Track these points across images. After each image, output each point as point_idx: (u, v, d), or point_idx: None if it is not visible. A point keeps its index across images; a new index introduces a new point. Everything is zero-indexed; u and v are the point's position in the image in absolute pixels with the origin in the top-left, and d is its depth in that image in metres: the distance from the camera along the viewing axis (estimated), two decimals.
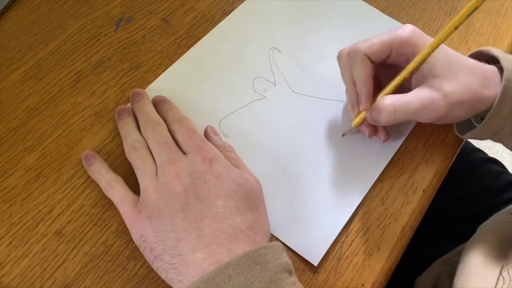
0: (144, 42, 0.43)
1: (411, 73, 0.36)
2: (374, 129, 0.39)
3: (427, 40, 0.36)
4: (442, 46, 0.36)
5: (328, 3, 0.48)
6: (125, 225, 0.34)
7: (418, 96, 0.36)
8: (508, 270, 0.35)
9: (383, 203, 0.38)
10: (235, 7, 0.46)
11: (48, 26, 0.43)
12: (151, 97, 0.39)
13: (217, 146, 0.36)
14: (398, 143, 0.41)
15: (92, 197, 0.35)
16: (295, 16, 0.47)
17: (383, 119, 0.36)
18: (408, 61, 0.37)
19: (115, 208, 0.35)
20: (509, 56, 0.37)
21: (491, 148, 1.02)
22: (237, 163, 0.36)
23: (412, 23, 0.47)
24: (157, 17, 0.45)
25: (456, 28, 0.34)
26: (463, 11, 0.34)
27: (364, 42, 0.37)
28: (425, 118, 0.37)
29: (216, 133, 0.39)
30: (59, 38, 0.42)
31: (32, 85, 0.40)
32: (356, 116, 0.39)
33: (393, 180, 0.39)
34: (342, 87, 0.41)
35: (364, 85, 0.37)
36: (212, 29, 0.45)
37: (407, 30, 0.37)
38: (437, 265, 0.46)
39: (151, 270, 0.33)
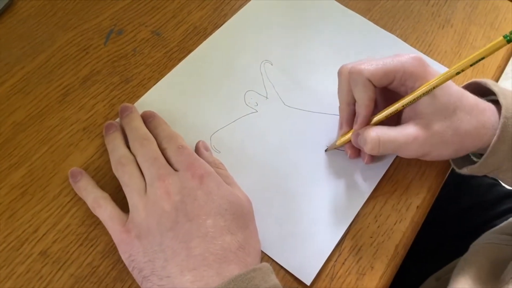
0: (134, 55, 0.43)
1: (405, 107, 0.36)
2: (358, 150, 0.39)
3: (430, 76, 0.35)
4: (448, 81, 0.35)
5: (321, 15, 0.48)
6: (112, 245, 0.33)
7: (404, 133, 0.35)
8: None
9: (376, 220, 0.37)
10: (227, 20, 0.46)
11: (36, 39, 0.42)
12: (141, 112, 0.38)
13: (208, 163, 0.35)
14: (391, 158, 0.40)
15: (79, 216, 0.35)
16: (287, 29, 0.47)
17: (368, 150, 0.36)
18: (407, 92, 0.36)
19: (102, 227, 0.34)
20: (506, 91, 0.36)
21: None
22: (228, 181, 0.35)
23: (405, 36, 0.47)
24: (148, 30, 0.44)
25: (457, 73, 0.34)
26: (468, 59, 0.33)
27: (368, 65, 0.36)
28: (406, 154, 0.36)
29: (207, 149, 0.38)
30: (48, 51, 0.42)
31: (19, 99, 0.39)
32: (342, 135, 0.39)
33: (387, 196, 0.38)
34: (335, 100, 0.40)
35: (365, 108, 0.36)
36: (203, 41, 0.44)
37: (413, 61, 0.35)
38: (431, 282, 0.46)
39: None
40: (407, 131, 0.35)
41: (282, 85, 0.43)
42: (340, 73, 0.38)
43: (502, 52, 0.48)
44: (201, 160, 0.34)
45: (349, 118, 0.38)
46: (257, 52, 0.45)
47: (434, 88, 0.34)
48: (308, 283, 0.34)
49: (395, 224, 0.37)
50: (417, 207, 0.38)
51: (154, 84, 0.41)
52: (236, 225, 0.32)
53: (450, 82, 0.35)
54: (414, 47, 0.47)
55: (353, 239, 0.36)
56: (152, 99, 0.41)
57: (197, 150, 0.38)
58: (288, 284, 0.34)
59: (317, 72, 0.44)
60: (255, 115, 0.41)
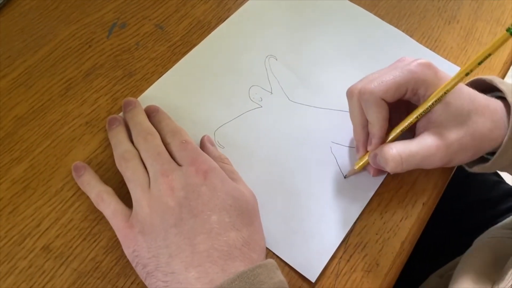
0: (137, 49, 0.42)
1: (419, 118, 0.35)
2: (380, 169, 0.37)
3: (440, 80, 0.34)
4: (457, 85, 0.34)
5: (326, 10, 0.47)
6: (116, 240, 0.33)
7: (423, 144, 0.34)
8: (498, 286, 0.34)
9: (382, 217, 0.37)
10: (231, 14, 0.45)
11: (38, 32, 0.42)
12: (144, 106, 0.38)
13: (213, 157, 0.35)
14: None
15: (82, 211, 0.34)
16: (292, 23, 0.46)
17: (390, 169, 0.34)
18: (419, 101, 0.35)
19: (106, 222, 0.33)
20: None
21: None
22: (233, 176, 0.35)
23: (411, 32, 0.47)
24: (151, 23, 0.44)
25: (467, 74, 0.33)
26: (475, 58, 0.32)
27: (379, 83, 0.34)
28: (430, 166, 0.35)
29: (212, 144, 0.38)
30: (50, 45, 0.41)
31: (20, 93, 0.39)
32: (360, 158, 0.37)
33: (392, 193, 0.38)
34: (340, 96, 0.40)
35: (380, 129, 0.35)
36: (207, 36, 0.44)
37: (422, 68, 0.34)
38: (434, 279, 0.45)
39: (142, 287, 0.32)
40: (426, 143, 0.34)
41: (287, 80, 0.43)
42: (349, 95, 0.37)
43: (509, 48, 0.48)
44: (205, 155, 0.34)
45: (366, 140, 0.37)
46: (262, 46, 0.44)
47: (445, 93, 0.34)
48: (313, 280, 0.34)
49: (401, 221, 0.37)
50: (423, 204, 0.38)
51: (158, 78, 0.41)
52: (241, 221, 0.31)
53: (460, 84, 0.35)
54: (420, 42, 0.46)
55: (358, 236, 0.36)
56: (156, 93, 0.40)
57: (202, 144, 0.37)
58: (293, 281, 0.34)
59: (322, 67, 0.44)
60: (259, 110, 0.41)
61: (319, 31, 0.46)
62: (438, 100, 0.34)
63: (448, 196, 0.45)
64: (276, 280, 0.29)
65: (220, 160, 0.36)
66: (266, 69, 0.43)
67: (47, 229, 0.33)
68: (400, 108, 0.37)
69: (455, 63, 0.45)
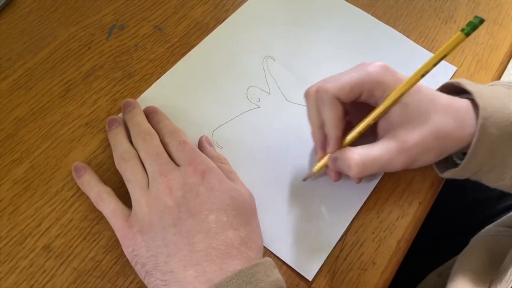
0: (136, 50, 0.43)
1: (376, 120, 0.35)
2: (340, 173, 0.37)
3: (398, 82, 0.34)
4: (416, 85, 0.33)
5: (324, 11, 0.48)
6: (115, 240, 0.34)
7: (384, 148, 0.34)
8: (496, 285, 0.34)
9: (379, 216, 0.37)
10: (229, 15, 0.46)
11: (38, 34, 0.42)
12: (143, 107, 0.38)
13: (211, 158, 0.35)
14: None
15: (82, 211, 0.35)
16: (290, 24, 0.47)
17: (353, 174, 0.34)
18: (377, 103, 0.35)
19: (105, 222, 0.34)
20: (482, 90, 0.35)
21: None
22: (231, 176, 0.35)
23: (408, 32, 0.47)
24: (150, 25, 0.44)
25: (422, 76, 0.33)
26: (430, 59, 0.32)
27: (334, 82, 0.34)
28: (393, 169, 0.35)
29: (210, 144, 0.38)
30: (50, 47, 0.42)
31: (21, 94, 0.39)
32: (319, 160, 0.37)
33: (389, 192, 0.38)
34: None
35: (334, 129, 0.34)
36: (206, 37, 0.44)
37: (378, 69, 0.34)
38: (432, 277, 0.46)
39: (141, 286, 0.32)
40: (388, 146, 0.34)
41: (285, 81, 0.43)
42: (307, 95, 0.36)
43: (505, 48, 0.48)
44: (203, 155, 0.34)
45: (324, 141, 0.36)
46: (259, 47, 0.45)
47: (402, 95, 0.33)
48: (310, 278, 0.34)
49: (397, 219, 0.37)
50: (419, 203, 0.38)
51: (157, 79, 0.41)
52: (239, 220, 0.32)
53: (419, 86, 0.34)
54: (417, 42, 0.47)
55: (355, 234, 0.36)
56: (155, 94, 0.41)
57: (200, 145, 0.38)
58: (290, 279, 0.34)
59: (320, 67, 0.44)
60: (257, 111, 0.41)
61: (316, 31, 0.46)
62: (395, 102, 0.33)
63: (446, 194, 0.46)
64: (273, 278, 0.29)
65: (218, 160, 0.36)
66: (263, 69, 0.43)
67: (47, 229, 0.34)
68: (362, 114, 0.36)
69: (451, 63, 0.46)
